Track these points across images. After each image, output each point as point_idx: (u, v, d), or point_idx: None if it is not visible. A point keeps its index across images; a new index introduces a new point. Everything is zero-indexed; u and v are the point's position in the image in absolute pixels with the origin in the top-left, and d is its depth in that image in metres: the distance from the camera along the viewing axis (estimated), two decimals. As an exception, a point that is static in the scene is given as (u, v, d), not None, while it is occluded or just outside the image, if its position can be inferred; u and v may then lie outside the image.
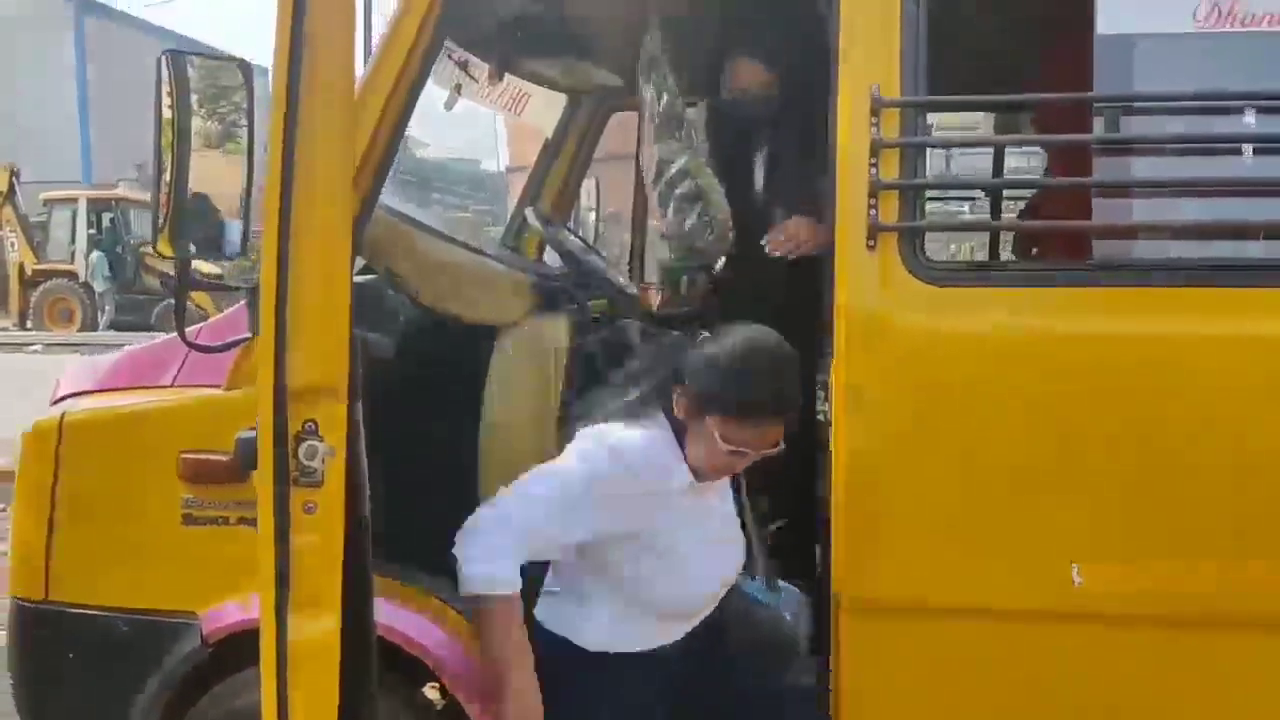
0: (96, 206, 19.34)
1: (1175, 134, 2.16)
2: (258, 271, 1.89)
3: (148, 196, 16.02)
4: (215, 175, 2.25)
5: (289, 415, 1.52)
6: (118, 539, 2.52)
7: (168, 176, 2.15)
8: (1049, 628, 2.17)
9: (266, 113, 2.30)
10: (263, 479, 1.53)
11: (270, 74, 1.72)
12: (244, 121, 2.38)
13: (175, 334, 2.42)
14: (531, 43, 3.24)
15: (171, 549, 2.48)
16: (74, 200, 19.44)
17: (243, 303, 2.47)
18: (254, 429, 1.63)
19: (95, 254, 18.63)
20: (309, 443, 1.55)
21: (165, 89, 2.13)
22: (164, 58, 2.11)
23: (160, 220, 2.14)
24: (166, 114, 2.14)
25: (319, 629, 1.55)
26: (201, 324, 2.66)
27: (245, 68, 2.24)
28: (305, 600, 1.53)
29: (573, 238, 3.66)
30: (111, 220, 19.33)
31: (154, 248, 2.16)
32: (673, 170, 2.85)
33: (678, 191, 2.82)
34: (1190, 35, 2.11)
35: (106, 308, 18.69)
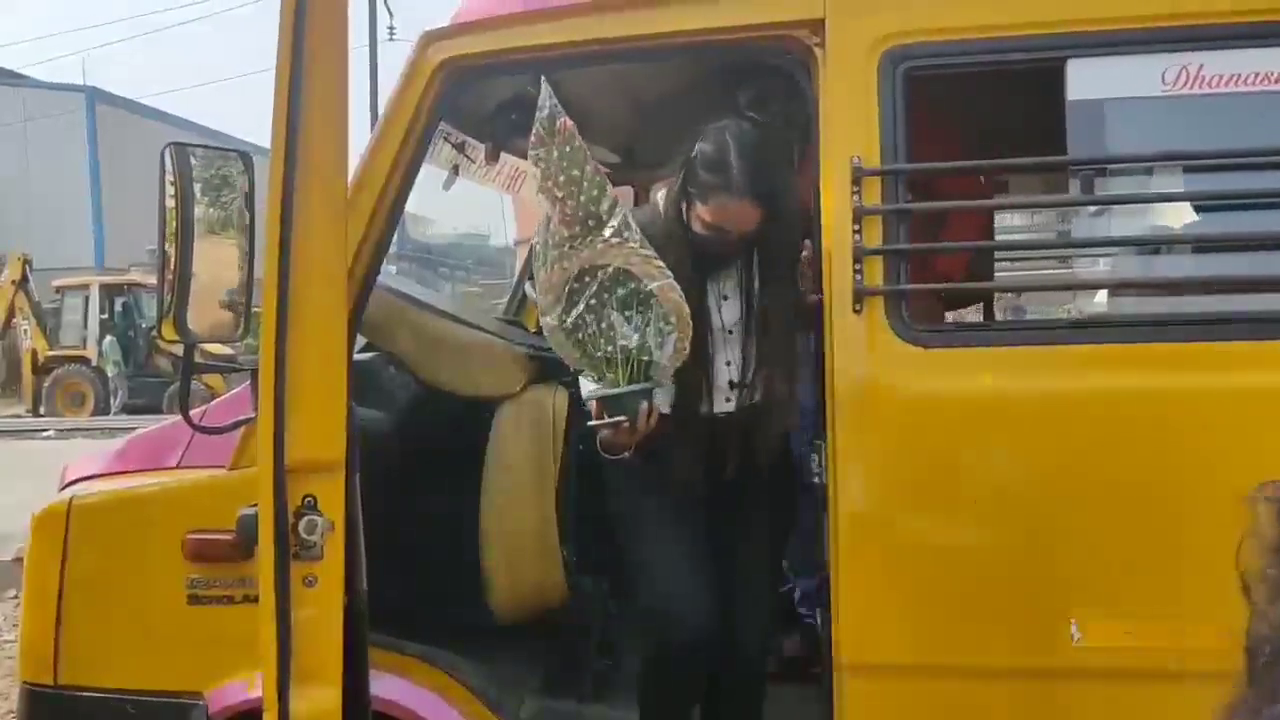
0: (109, 292, 19.55)
1: (1151, 193, 2.21)
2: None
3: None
4: (219, 261, 2.32)
5: (289, 490, 1.55)
6: (125, 620, 2.55)
7: (172, 264, 2.22)
8: (1049, 684, 2.17)
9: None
10: (264, 553, 1.56)
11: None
12: (246, 209, 2.46)
13: (177, 418, 2.47)
14: (527, 123, 3.32)
15: (178, 629, 2.51)
16: (86, 286, 19.66)
17: (246, 385, 2.52)
18: (255, 506, 1.67)
19: (108, 339, 18.80)
20: (308, 517, 1.58)
21: (169, 179, 2.21)
22: (168, 150, 2.19)
23: (165, 306, 2.20)
24: (170, 204, 2.22)
25: (320, 702, 1.57)
26: (205, 406, 2.71)
27: (245, 158, 2.32)
28: (306, 674, 1.55)
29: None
30: (124, 305, 19.53)
31: (158, 333, 2.22)
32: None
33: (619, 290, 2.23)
34: (1159, 98, 2.17)
35: (119, 391, 18.80)
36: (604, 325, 2.20)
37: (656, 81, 3.18)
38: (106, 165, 30.77)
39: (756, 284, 2.52)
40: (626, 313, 2.21)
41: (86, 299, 19.33)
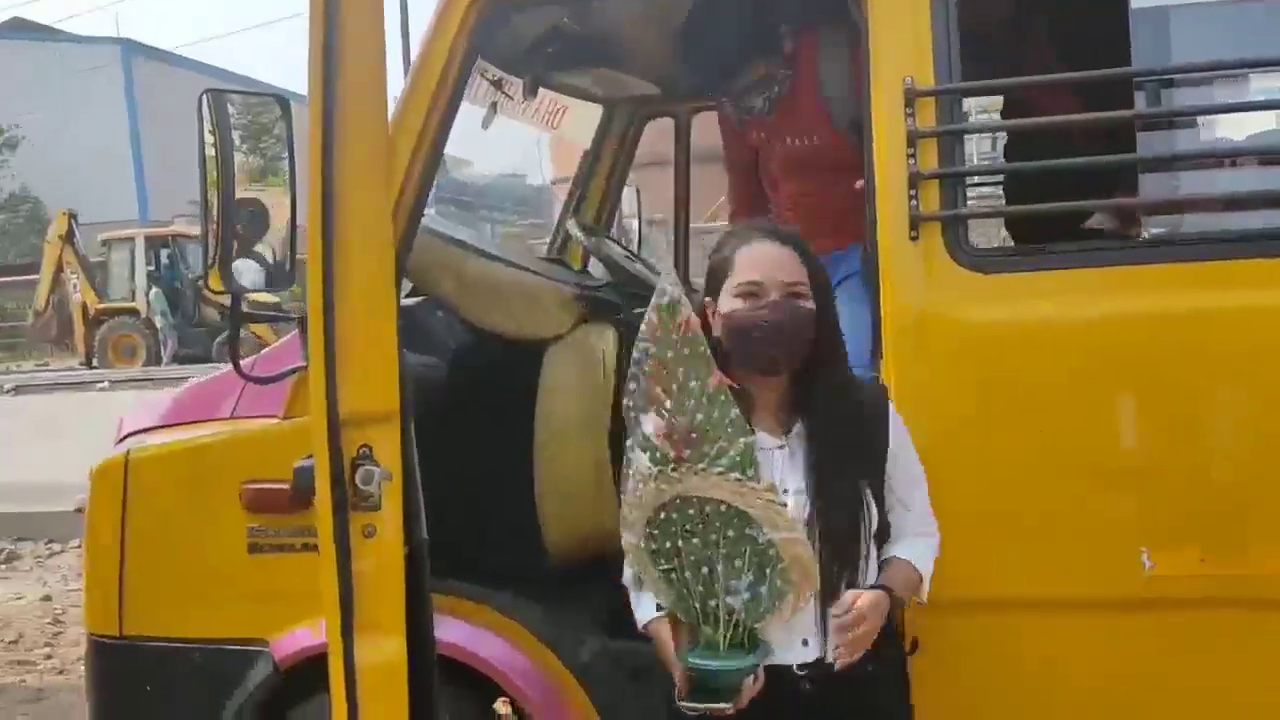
0: (153, 244, 19.71)
1: (1220, 104, 2.11)
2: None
3: (202, 230, 15.99)
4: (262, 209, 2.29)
5: (343, 441, 1.53)
6: (187, 571, 2.57)
7: (215, 213, 2.19)
8: (1121, 615, 2.13)
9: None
10: (321, 506, 1.54)
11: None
12: (285, 155, 2.43)
13: (229, 368, 2.46)
14: (563, 56, 3.25)
15: (240, 578, 2.53)
16: (131, 239, 19.84)
17: (295, 332, 2.50)
18: (310, 458, 1.65)
19: (154, 290, 19.00)
20: (365, 467, 1.56)
21: (207, 127, 2.17)
22: (205, 97, 2.15)
23: (209, 256, 2.18)
24: (210, 152, 2.18)
25: (385, 652, 1.56)
26: (256, 355, 2.70)
27: (283, 103, 2.28)
28: (369, 624, 1.55)
29: (615, 246, 3.67)
30: (169, 256, 19.69)
31: (205, 284, 2.20)
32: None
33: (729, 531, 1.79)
34: (1224, 4, 2.07)
35: (169, 342, 19.03)
36: (704, 570, 1.75)
37: (688, 6, 3.08)
38: (145, 117, 30.93)
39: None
40: (736, 562, 1.74)
41: (132, 251, 19.51)
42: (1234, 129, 2.12)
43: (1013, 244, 2.74)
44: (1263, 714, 2.05)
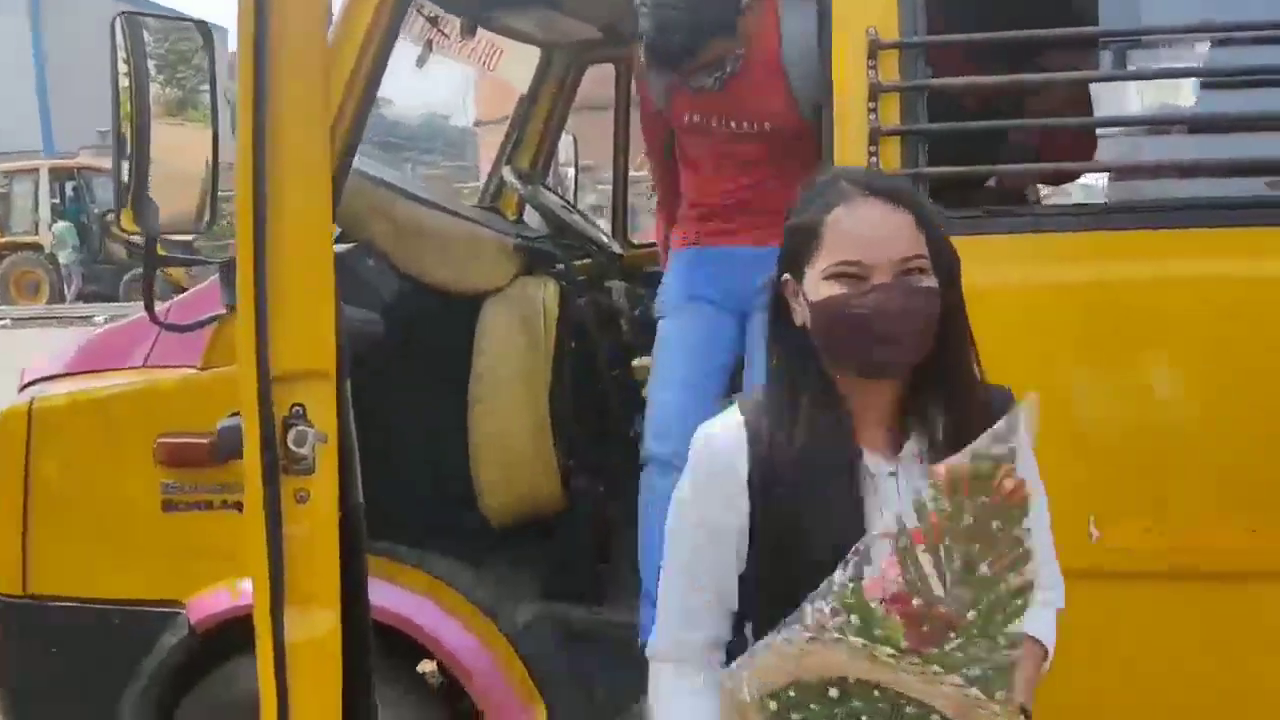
0: (59, 176, 18.93)
1: (1188, 68, 2.06)
2: (231, 242, 1.78)
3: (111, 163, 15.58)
4: (181, 144, 2.13)
5: (275, 400, 1.42)
6: (97, 528, 2.43)
7: (128, 148, 2.03)
8: (1067, 584, 2.11)
9: (231, 77, 2.19)
10: (249, 470, 1.43)
11: (234, 34, 1.60)
12: (205, 87, 2.26)
13: (142, 314, 2.31)
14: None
15: (153, 536, 2.40)
16: (34, 170, 19.03)
17: (214, 277, 2.36)
18: (235, 416, 1.53)
19: (60, 224, 18.27)
20: (298, 428, 1.45)
21: (121, 55, 2.01)
22: (118, 20, 1.98)
23: (123, 194, 2.02)
24: (124, 82, 2.02)
25: (318, 625, 1.46)
26: (171, 301, 2.55)
27: (205, 29, 2.11)
28: (301, 596, 1.44)
29: (552, 195, 3.56)
30: (75, 189, 18.94)
31: (117, 223, 2.05)
32: None
33: None
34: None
35: (74, 279, 18.36)
36: None
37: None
38: (51, 42, 29.60)
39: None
40: None
41: (36, 184, 18.72)
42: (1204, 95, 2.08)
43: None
44: (1206, 684, 2.05)
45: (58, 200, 18.72)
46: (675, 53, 2.38)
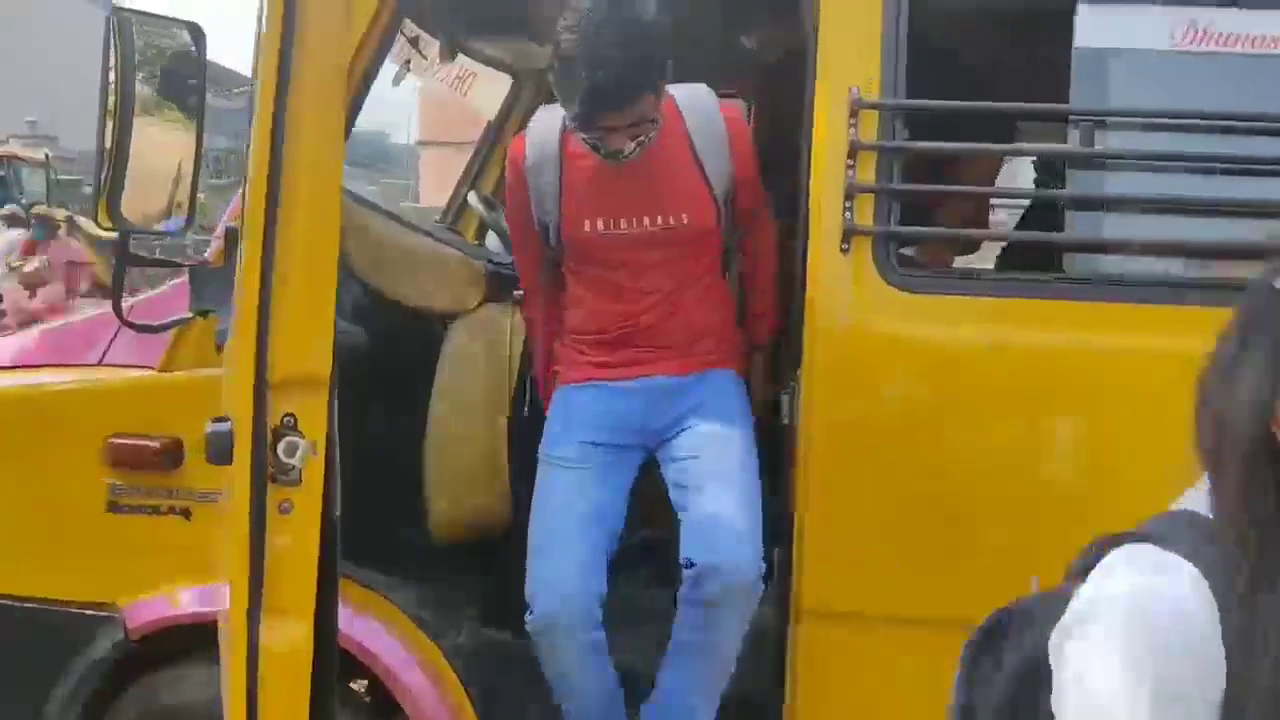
0: (-14, 164, 18.42)
1: (1153, 151, 2.16)
2: (200, 244, 1.78)
3: (40, 153, 15.38)
4: (163, 143, 2.12)
5: (268, 408, 1.41)
6: (36, 525, 2.38)
7: (108, 144, 2.02)
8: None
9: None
10: (238, 477, 1.42)
11: (256, 43, 1.60)
12: (184, 86, 2.26)
13: (100, 310, 2.29)
14: (484, 22, 3.14)
15: (94, 537, 2.36)
16: (-39, 157, 18.49)
17: (179, 280, 2.34)
18: (222, 420, 1.52)
19: (-15, 212, 17.75)
20: (289, 438, 1.44)
21: (111, 51, 2.00)
22: (111, 19, 1.97)
23: (101, 189, 2.01)
24: (111, 77, 2.01)
25: (291, 638, 1.45)
26: (134, 300, 2.51)
27: (196, 30, 2.11)
28: (276, 607, 1.43)
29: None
30: (2, 178, 18.43)
31: (94, 219, 2.03)
32: None
33: None
34: (1168, 52, 2.12)
35: (-7, 268, 17.86)
36: None
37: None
38: (-14, 29, 28.88)
39: None
40: None
41: (-39, 170, 18.19)
42: (1166, 178, 2.17)
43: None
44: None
45: (-17, 188, 18.21)
46: (610, 95, 2.03)
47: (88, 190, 22.27)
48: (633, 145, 2.15)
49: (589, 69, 2.01)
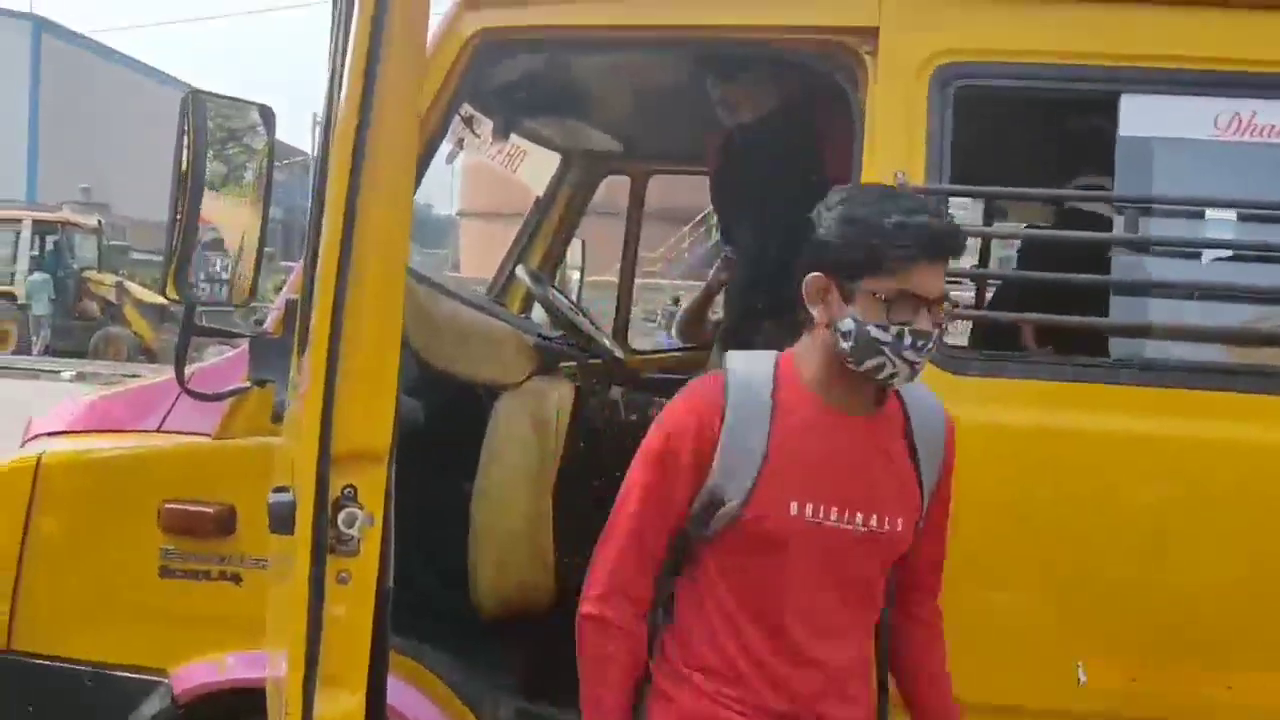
0: (41, 229, 18.91)
1: (1191, 238, 2.19)
2: (258, 315, 1.84)
3: (93, 220, 15.79)
4: (231, 218, 2.21)
5: (331, 479, 1.45)
6: (89, 588, 2.42)
7: (179, 218, 2.10)
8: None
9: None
10: (300, 548, 1.45)
11: (325, 126, 1.68)
12: (248, 165, 2.35)
13: (161, 377, 2.35)
14: (537, 103, 3.23)
15: (146, 601, 2.40)
16: (18, 221, 18.99)
17: (242, 348, 2.40)
18: (283, 490, 1.56)
19: (38, 276, 18.19)
20: (348, 509, 1.48)
21: (185, 129, 2.09)
22: (188, 98, 2.06)
23: (170, 262, 2.08)
24: (184, 155, 2.10)
25: (344, 707, 1.47)
26: (194, 368, 2.58)
27: (267, 111, 2.20)
28: (330, 677, 1.45)
29: (561, 296, 3.64)
30: (55, 243, 18.91)
31: (162, 291, 2.10)
32: None
33: None
34: (1209, 142, 2.15)
35: (43, 331, 18.24)
36: None
37: (673, 71, 3.09)
38: (48, 98, 29.85)
39: None
40: None
41: (18, 235, 18.68)
42: (1208, 263, 2.20)
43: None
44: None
45: (37, 253, 18.67)
46: (950, 235, 1.59)
47: (136, 256, 22.85)
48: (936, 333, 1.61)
49: (921, 213, 1.57)
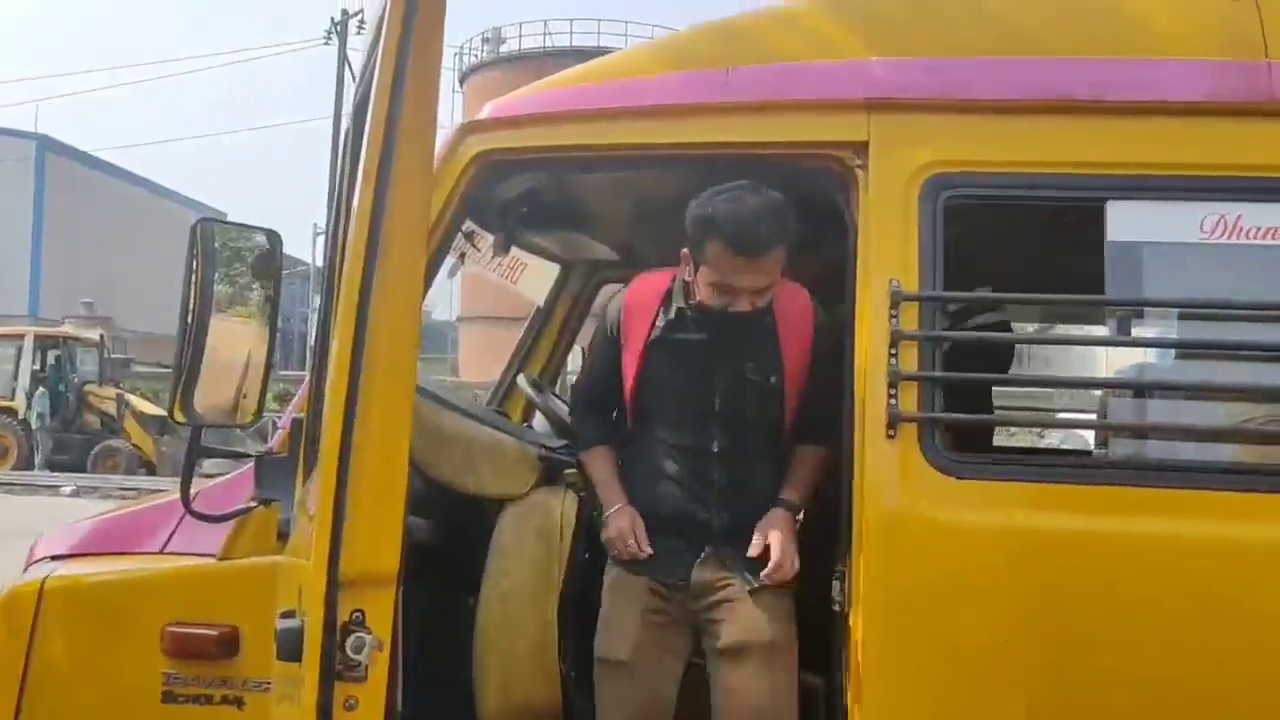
0: (43, 343, 19.04)
1: (1184, 339, 2.22)
2: (259, 435, 1.85)
3: (95, 334, 15.94)
4: (236, 341, 2.24)
5: (339, 604, 1.45)
6: (93, 715, 2.39)
7: (187, 341, 2.13)
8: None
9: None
10: (308, 674, 1.45)
11: (331, 243, 1.71)
12: (253, 285, 2.39)
13: (165, 497, 2.35)
14: (536, 218, 3.29)
15: (147, 728, 2.36)
16: (20, 336, 19.13)
17: (246, 467, 2.41)
18: (289, 615, 1.56)
19: (40, 390, 18.26)
20: (356, 634, 1.48)
21: (193, 254, 2.13)
22: (198, 225, 2.11)
23: (177, 385, 2.11)
24: (192, 280, 2.14)
25: (350, 838, 1.45)
26: (200, 489, 2.59)
27: (274, 237, 2.25)
28: (335, 807, 1.44)
29: (562, 405, 3.66)
30: (56, 358, 19.02)
31: (169, 415, 2.13)
32: None
33: None
34: (1196, 245, 2.19)
35: (42, 446, 18.24)
36: None
37: (670, 185, 3.16)
38: (51, 215, 30.31)
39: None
40: None
41: (19, 349, 18.79)
42: (1201, 365, 2.22)
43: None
44: None
45: (38, 367, 18.76)
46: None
47: (138, 370, 22.93)
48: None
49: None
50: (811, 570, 2.43)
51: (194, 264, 2.13)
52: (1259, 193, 2.18)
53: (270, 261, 2.23)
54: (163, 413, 13.52)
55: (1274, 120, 2.20)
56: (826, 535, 2.31)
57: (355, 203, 1.60)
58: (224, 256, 2.46)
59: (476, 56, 34.64)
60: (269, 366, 2.26)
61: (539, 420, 3.70)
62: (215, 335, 2.20)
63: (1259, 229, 2.18)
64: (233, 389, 2.39)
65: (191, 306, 2.12)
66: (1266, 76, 2.20)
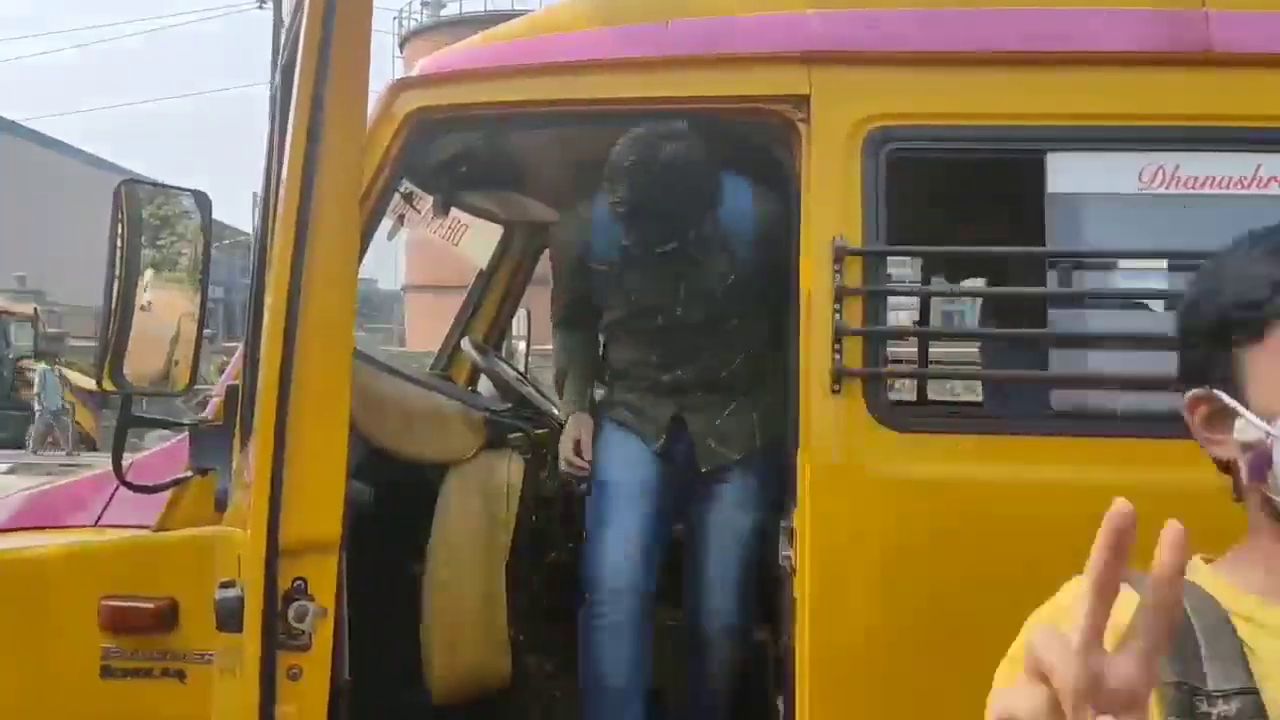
0: (-30, 318, 18.60)
1: (1123, 289, 2.23)
2: (195, 405, 1.81)
3: (29, 309, 15.62)
4: (166, 307, 2.18)
5: (279, 573, 1.41)
6: (27, 693, 2.33)
7: (114, 308, 2.07)
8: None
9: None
10: (249, 644, 1.41)
11: (264, 207, 1.66)
12: (183, 251, 2.32)
13: (97, 471, 2.29)
14: (475, 177, 3.24)
15: (89, 704, 2.30)
16: (-49, 312, 18.68)
17: (180, 438, 2.35)
18: (229, 585, 1.52)
19: (-29, 367, 17.86)
20: (299, 602, 1.44)
21: (117, 219, 2.06)
22: (121, 188, 2.04)
23: (104, 353, 2.05)
24: (117, 245, 2.07)
25: (295, 810, 1.42)
26: (133, 459, 2.52)
27: (202, 199, 2.18)
28: (282, 777, 1.41)
29: (507, 367, 3.62)
30: (-11, 332, 18.60)
31: (98, 383, 2.06)
32: None
33: None
34: (1136, 195, 2.20)
35: (-23, 422, 17.86)
36: None
37: (608, 142, 3.12)
38: (-22, 188, 29.50)
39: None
40: None
41: (-49, 325, 18.35)
42: (1141, 315, 2.24)
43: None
44: None
45: (-29, 343, 18.35)
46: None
47: (73, 344, 22.50)
48: None
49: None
50: (766, 526, 2.43)
51: (119, 228, 2.06)
52: (1197, 142, 2.19)
53: (196, 225, 2.16)
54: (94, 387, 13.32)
55: (1212, 69, 2.21)
56: (781, 491, 2.31)
57: (285, 165, 1.55)
58: (152, 223, 2.39)
59: (417, 20, 34.06)
60: (200, 332, 2.20)
61: (484, 383, 3.66)
62: (143, 301, 2.14)
63: (1196, 179, 2.19)
64: (163, 357, 2.32)
65: (118, 273, 2.05)
66: (1204, 26, 2.21)
